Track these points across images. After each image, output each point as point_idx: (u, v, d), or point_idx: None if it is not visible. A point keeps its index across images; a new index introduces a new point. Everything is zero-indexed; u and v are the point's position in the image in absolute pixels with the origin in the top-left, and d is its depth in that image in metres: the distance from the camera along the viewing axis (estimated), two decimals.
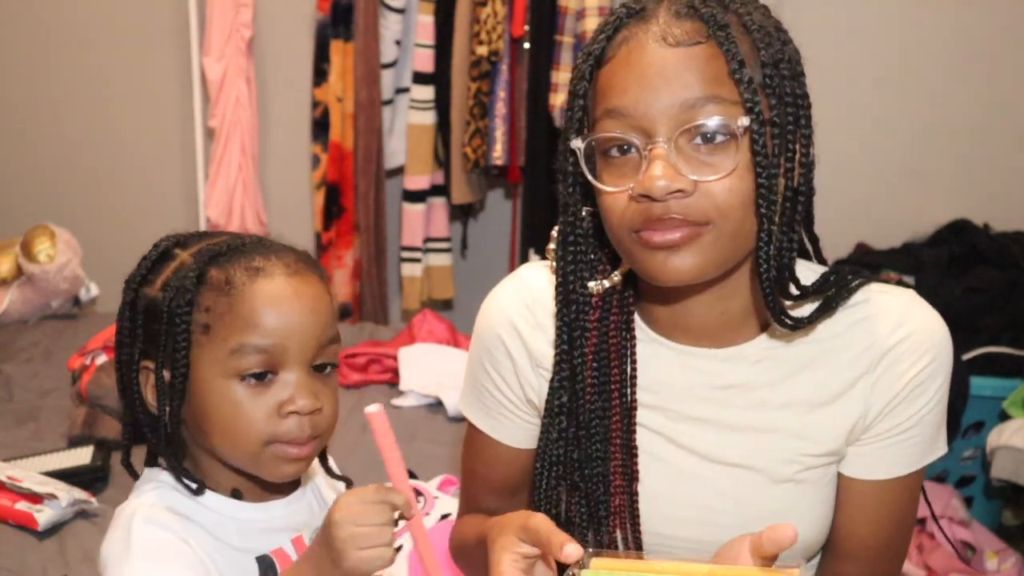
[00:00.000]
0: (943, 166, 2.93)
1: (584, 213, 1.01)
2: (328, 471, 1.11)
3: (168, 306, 0.95)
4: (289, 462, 0.96)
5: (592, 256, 1.03)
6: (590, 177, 0.96)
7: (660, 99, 0.90)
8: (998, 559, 2.14)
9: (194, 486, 0.98)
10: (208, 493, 0.99)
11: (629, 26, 0.94)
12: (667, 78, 0.90)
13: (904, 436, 1.01)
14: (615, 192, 0.93)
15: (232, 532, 0.98)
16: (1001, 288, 2.50)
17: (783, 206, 0.93)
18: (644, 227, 0.92)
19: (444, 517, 1.62)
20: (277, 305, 0.95)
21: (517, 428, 1.12)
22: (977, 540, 2.15)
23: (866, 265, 2.68)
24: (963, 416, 2.30)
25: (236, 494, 1.00)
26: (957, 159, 2.92)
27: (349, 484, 1.10)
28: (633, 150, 0.92)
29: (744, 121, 0.89)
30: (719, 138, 0.90)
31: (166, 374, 0.95)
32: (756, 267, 0.94)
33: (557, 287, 1.03)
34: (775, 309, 0.95)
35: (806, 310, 0.99)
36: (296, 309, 0.96)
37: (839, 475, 1.05)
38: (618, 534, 1.06)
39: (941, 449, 1.05)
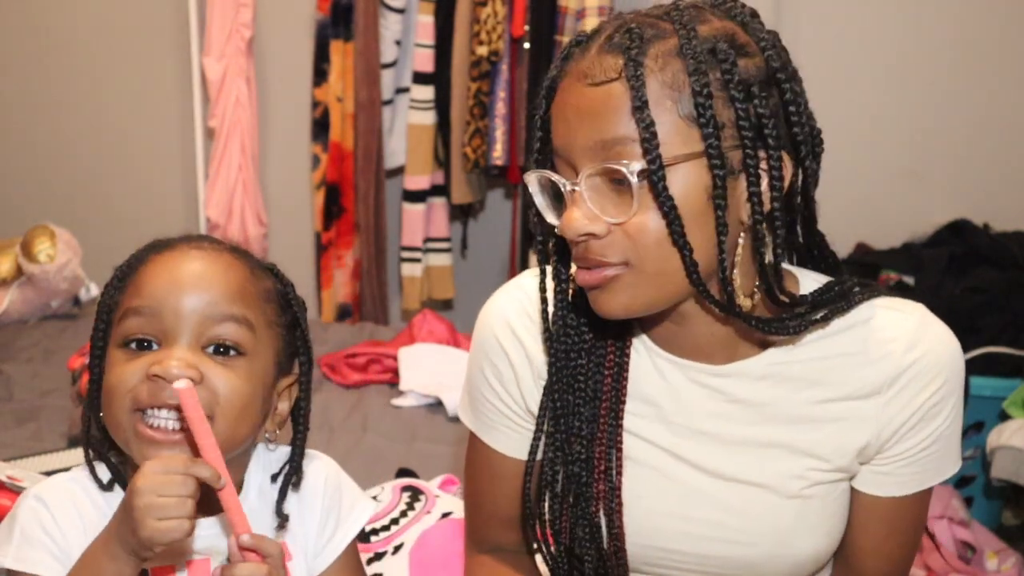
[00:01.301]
0: (943, 166, 2.93)
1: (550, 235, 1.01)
2: (278, 504, 1.01)
3: (104, 290, 0.98)
4: (155, 445, 0.90)
5: (564, 278, 1.02)
6: (540, 209, 0.96)
7: (578, 139, 0.90)
8: (998, 559, 2.14)
9: (104, 480, 0.96)
10: (117, 492, 0.96)
11: (574, 56, 0.93)
12: (583, 119, 0.89)
13: (922, 455, 1.01)
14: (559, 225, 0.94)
15: None
16: (1001, 288, 2.50)
17: (755, 230, 0.91)
18: (576, 264, 0.94)
19: (445, 515, 1.62)
20: (162, 269, 0.94)
21: (521, 438, 1.10)
22: (977, 540, 2.15)
23: (866, 265, 2.69)
24: (963, 416, 2.29)
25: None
26: (957, 159, 2.92)
27: (284, 521, 1.01)
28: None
29: (636, 166, 0.87)
30: (623, 181, 0.88)
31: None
32: (700, 299, 0.94)
33: (541, 308, 1.03)
34: (746, 321, 0.94)
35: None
36: (179, 274, 0.94)
37: (853, 490, 1.04)
38: (602, 522, 1.04)
39: (956, 464, 1.04)
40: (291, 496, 1.02)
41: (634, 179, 0.87)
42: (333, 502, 1.06)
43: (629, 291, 0.91)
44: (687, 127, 0.87)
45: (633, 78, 0.86)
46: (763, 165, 0.90)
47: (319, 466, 1.07)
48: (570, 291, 1.02)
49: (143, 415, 0.91)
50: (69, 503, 0.95)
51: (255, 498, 1.02)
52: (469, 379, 1.13)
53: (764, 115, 0.89)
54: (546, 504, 1.06)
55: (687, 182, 0.88)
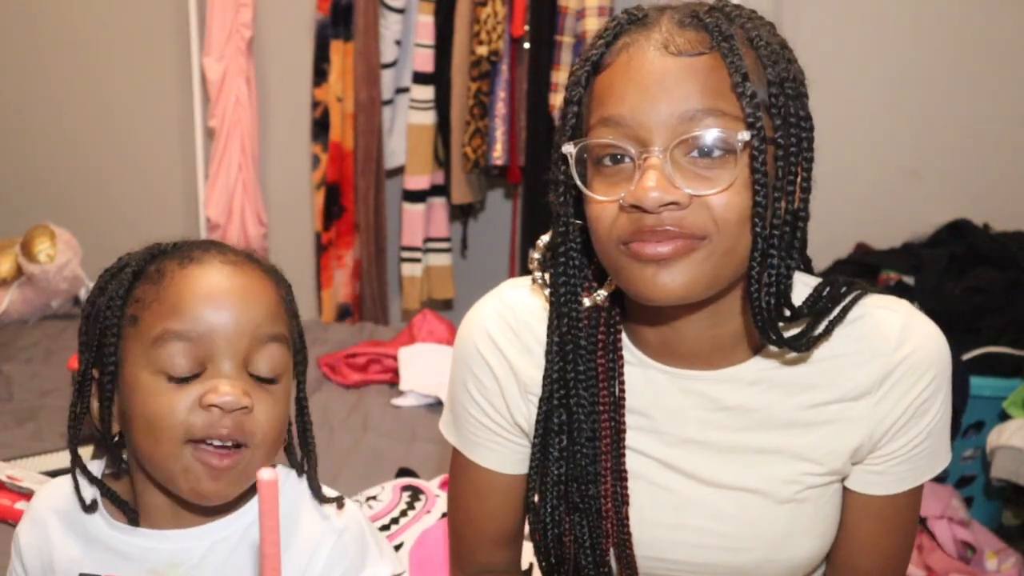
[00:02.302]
0: (943, 166, 2.93)
1: (574, 224, 0.99)
2: (317, 492, 1.00)
3: (103, 302, 0.93)
4: (209, 474, 0.88)
5: (581, 272, 1.00)
6: (580, 184, 0.93)
7: (658, 109, 0.87)
8: (998, 559, 2.14)
9: (87, 502, 0.96)
10: (99, 514, 0.96)
11: (630, 32, 0.92)
12: (666, 88, 0.87)
13: (915, 452, 1.01)
14: (605, 202, 0.91)
15: (92, 548, 0.95)
16: (1001, 288, 2.50)
17: (782, 229, 0.90)
18: (634, 238, 0.89)
19: (445, 515, 1.62)
20: (204, 291, 0.89)
21: (508, 452, 1.08)
22: (977, 540, 2.15)
23: (866, 265, 2.69)
24: (963, 416, 2.29)
25: (131, 519, 0.95)
26: (957, 159, 2.92)
27: (340, 503, 0.99)
28: (627, 159, 0.89)
29: (744, 136, 0.86)
30: (716, 152, 0.87)
31: (95, 372, 0.93)
32: (748, 290, 0.91)
33: (551, 301, 1.01)
34: (767, 335, 0.93)
35: (799, 327, 0.97)
36: (224, 295, 0.90)
37: (847, 490, 1.04)
38: (611, 555, 1.04)
39: (946, 458, 1.04)
40: (296, 543, 0.97)
41: (739, 148, 0.87)
42: (340, 557, 0.99)
43: (696, 268, 0.89)
44: (761, 113, 0.88)
45: (731, 52, 0.87)
46: (803, 165, 0.91)
47: (341, 515, 1.01)
48: (600, 298, 1.00)
49: (197, 445, 0.88)
50: (39, 527, 0.96)
51: (242, 534, 0.97)
52: (451, 394, 1.10)
53: (804, 117, 0.90)
54: (547, 521, 1.06)
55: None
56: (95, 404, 0.95)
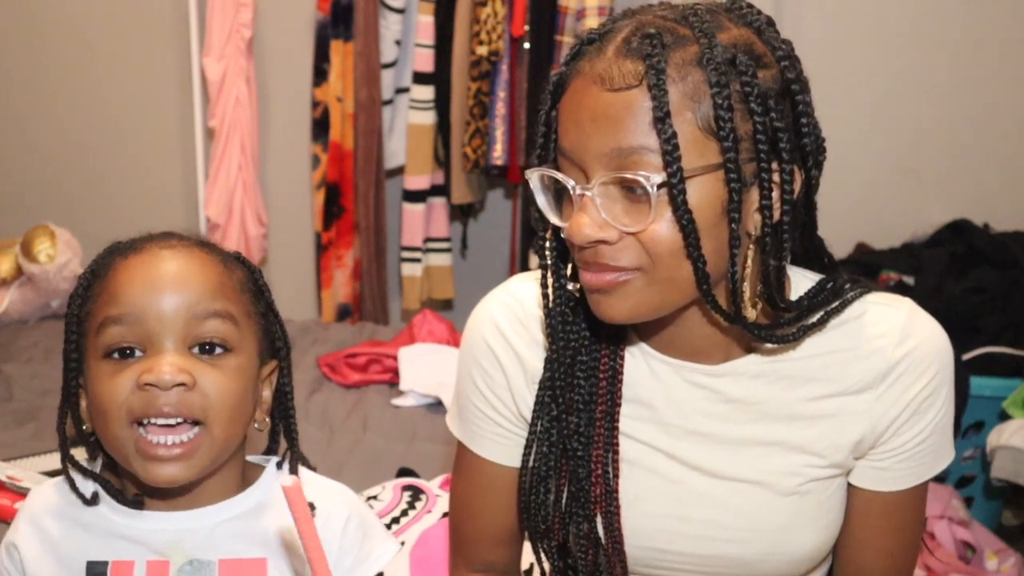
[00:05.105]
0: (943, 166, 2.93)
1: (550, 233, 0.99)
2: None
3: (70, 301, 0.96)
4: (157, 461, 0.89)
5: (559, 271, 1.01)
6: (541, 206, 0.95)
7: (592, 145, 0.88)
8: (998, 559, 2.14)
9: (88, 496, 0.97)
10: (103, 503, 0.97)
11: (587, 55, 0.91)
12: (599, 124, 0.87)
13: (918, 449, 1.01)
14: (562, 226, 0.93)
15: (95, 533, 0.96)
16: (1001, 288, 2.50)
17: (762, 241, 0.90)
18: (581, 267, 0.92)
19: (446, 515, 1.62)
20: (136, 274, 0.92)
21: (512, 445, 1.09)
22: (977, 540, 2.15)
23: (866, 265, 2.69)
24: (963, 416, 2.30)
25: (136, 503, 0.96)
26: (957, 159, 2.92)
27: (312, 510, 0.98)
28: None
29: (657, 179, 0.85)
30: (639, 191, 0.87)
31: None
32: (712, 304, 0.92)
33: (544, 304, 1.01)
34: (753, 333, 0.94)
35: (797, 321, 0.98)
36: (157, 277, 0.92)
37: (851, 486, 1.04)
38: (599, 523, 1.04)
39: (950, 455, 1.05)
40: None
41: (653, 191, 0.86)
42: (352, 542, 1.01)
43: (636, 296, 0.90)
44: (704, 138, 0.86)
45: (655, 87, 0.84)
46: (775, 177, 0.89)
47: (341, 505, 1.02)
48: (575, 289, 1.00)
49: (142, 429, 0.90)
50: (40, 534, 0.97)
51: (245, 515, 0.99)
52: (458, 388, 1.11)
53: (779, 128, 0.88)
54: (541, 502, 1.06)
55: (702, 194, 0.87)
56: (71, 401, 0.98)
